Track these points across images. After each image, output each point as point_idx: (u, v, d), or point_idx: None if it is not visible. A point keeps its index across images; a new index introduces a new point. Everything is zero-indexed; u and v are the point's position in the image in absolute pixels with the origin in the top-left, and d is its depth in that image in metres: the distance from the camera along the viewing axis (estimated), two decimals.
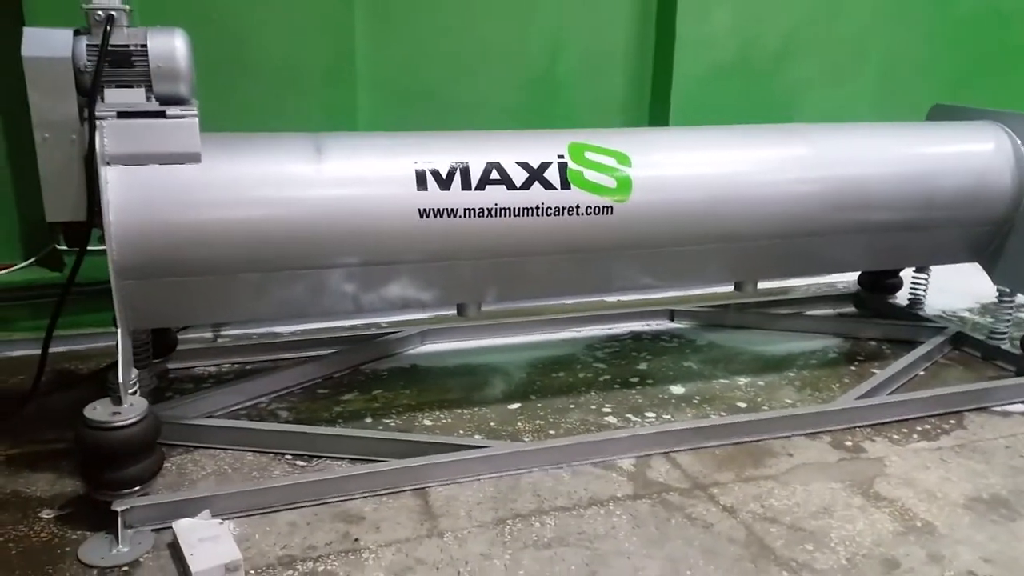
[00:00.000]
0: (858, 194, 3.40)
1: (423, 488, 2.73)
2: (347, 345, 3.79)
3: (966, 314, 4.66)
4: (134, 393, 2.53)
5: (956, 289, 4.75)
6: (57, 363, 3.59)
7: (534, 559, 2.40)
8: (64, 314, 2.75)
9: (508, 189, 2.87)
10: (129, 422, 2.37)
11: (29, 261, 3.81)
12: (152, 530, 2.45)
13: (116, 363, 2.98)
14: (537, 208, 2.90)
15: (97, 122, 2.46)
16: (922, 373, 3.80)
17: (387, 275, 2.89)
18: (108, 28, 2.46)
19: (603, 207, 2.98)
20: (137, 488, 2.46)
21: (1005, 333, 3.93)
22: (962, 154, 3.63)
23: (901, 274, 4.54)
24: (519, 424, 3.23)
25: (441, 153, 2.85)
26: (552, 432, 3.17)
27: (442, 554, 2.41)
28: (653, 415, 3.34)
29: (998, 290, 3.88)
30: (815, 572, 2.40)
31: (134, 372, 2.58)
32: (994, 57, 5.48)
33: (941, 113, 4.03)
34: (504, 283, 3.08)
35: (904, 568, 2.43)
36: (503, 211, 2.86)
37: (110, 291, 3.47)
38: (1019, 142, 3.64)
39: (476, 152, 2.88)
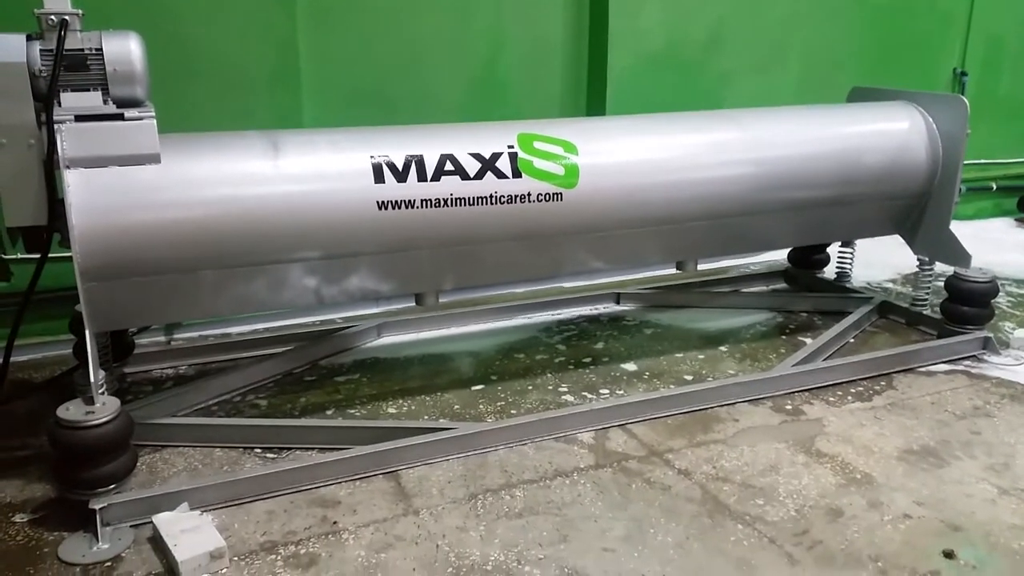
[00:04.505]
0: (786, 173, 3.62)
1: (394, 471, 2.83)
2: (303, 342, 3.84)
3: (890, 285, 4.96)
4: (103, 393, 2.56)
5: (879, 262, 5.05)
6: (10, 372, 3.55)
7: (508, 528, 2.53)
8: (11, 323, 2.76)
9: (462, 179, 2.98)
10: (104, 420, 2.41)
11: None
12: (130, 526, 2.49)
13: (77, 367, 3.01)
14: (490, 197, 3.02)
15: (56, 126, 2.48)
16: (852, 340, 4.05)
17: (347, 267, 2.97)
18: (62, 32, 2.48)
19: (553, 194, 3.11)
20: (113, 486, 2.49)
21: (926, 300, 4.21)
22: (880, 132, 3.89)
23: (828, 250, 4.80)
24: (481, 406, 3.35)
25: (396, 147, 2.95)
26: (514, 412, 3.30)
27: (419, 530, 2.52)
28: (607, 391, 3.50)
29: (918, 259, 4.16)
30: (768, 524, 2.58)
31: (101, 373, 2.61)
32: (906, 42, 5.83)
33: (860, 95, 4.27)
34: (461, 271, 3.20)
35: (848, 516, 2.63)
36: (458, 201, 2.98)
37: (59, 299, 3.48)
38: (931, 120, 3.91)
39: (430, 145, 2.99)
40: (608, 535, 2.51)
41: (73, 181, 2.51)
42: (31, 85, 2.48)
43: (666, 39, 4.93)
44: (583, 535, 2.50)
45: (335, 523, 2.55)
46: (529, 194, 3.07)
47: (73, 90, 2.54)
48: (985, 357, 3.85)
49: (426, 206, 2.93)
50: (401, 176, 2.90)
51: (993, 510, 2.67)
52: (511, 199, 3.05)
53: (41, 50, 2.49)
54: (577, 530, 2.53)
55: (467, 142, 3.04)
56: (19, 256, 3.60)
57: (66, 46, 2.49)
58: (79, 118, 2.52)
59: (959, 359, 3.82)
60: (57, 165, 2.50)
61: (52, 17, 2.48)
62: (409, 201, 2.91)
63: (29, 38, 2.49)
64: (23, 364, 3.66)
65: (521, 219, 3.09)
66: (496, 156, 3.04)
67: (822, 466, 2.92)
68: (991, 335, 3.89)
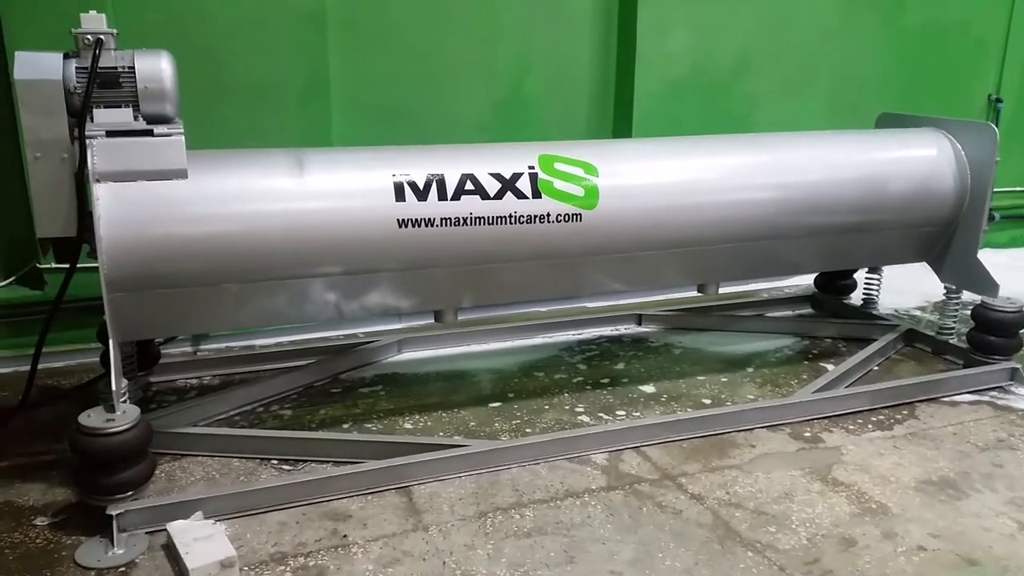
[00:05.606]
0: (811, 199, 3.60)
1: (407, 486, 2.85)
2: (325, 356, 3.89)
3: (917, 312, 4.89)
4: (124, 401, 2.62)
5: (907, 289, 4.99)
6: (39, 379, 3.64)
7: (515, 547, 2.54)
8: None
9: (482, 199, 3.02)
10: (123, 428, 2.47)
11: (9, 280, 3.86)
12: (146, 533, 2.54)
13: (103, 375, 3.08)
14: (510, 217, 3.05)
15: (88, 141, 2.56)
16: (876, 368, 4.00)
17: (368, 284, 3.01)
18: (97, 51, 2.57)
19: (572, 215, 3.14)
20: (130, 493, 2.55)
21: (953, 329, 4.15)
22: (907, 159, 3.85)
23: (855, 276, 4.75)
24: (496, 424, 3.37)
25: (418, 165, 2.99)
26: (529, 431, 3.31)
27: (427, 546, 2.54)
28: (623, 413, 3.49)
29: (945, 288, 4.10)
30: (778, 552, 2.55)
31: (124, 382, 2.67)
32: (939, 67, 5.77)
33: (888, 121, 4.24)
34: (480, 289, 3.22)
35: (860, 546, 2.60)
36: (478, 220, 3.01)
37: (89, 309, 3.57)
38: (960, 148, 3.87)
39: (451, 164, 3.03)
40: (616, 558, 2.50)
41: (102, 194, 2.58)
42: (66, 101, 2.57)
43: (693, 62, 4.94)
44: (590, 557, 2.50)
45: (345, 536, 2.58)
46: (548, 214, 3.10)
47: (106, 106, 2.63)
48: (1012, 388, 3.78)
49: (445, 225, 2.97)
50: (422, 195, 2.95)
51: (1012, 545, 2.62)
52: (530, 219, 3.08)
53: (76, 68, 2.58)
54: (585, 552, 2.53)
55: (488, 162, 3.08)
56: (53, 266, 3.72)
57: (100, 64, 2.58)
58: (110, 133, 2.61)
59: (985, 390, 3.76)
60: (88, 179, 2.58)
61: (88, 36, 2.57)
62: (429, 219, 2.95)
63: (66, 56, 2.59)
64: (53, 371, 3.76)
65: (540, 239, 3.11)
66: (516, 176, 3.08)
67: (837, 495, 2.89)
68: (1018, 366, 3.82)
